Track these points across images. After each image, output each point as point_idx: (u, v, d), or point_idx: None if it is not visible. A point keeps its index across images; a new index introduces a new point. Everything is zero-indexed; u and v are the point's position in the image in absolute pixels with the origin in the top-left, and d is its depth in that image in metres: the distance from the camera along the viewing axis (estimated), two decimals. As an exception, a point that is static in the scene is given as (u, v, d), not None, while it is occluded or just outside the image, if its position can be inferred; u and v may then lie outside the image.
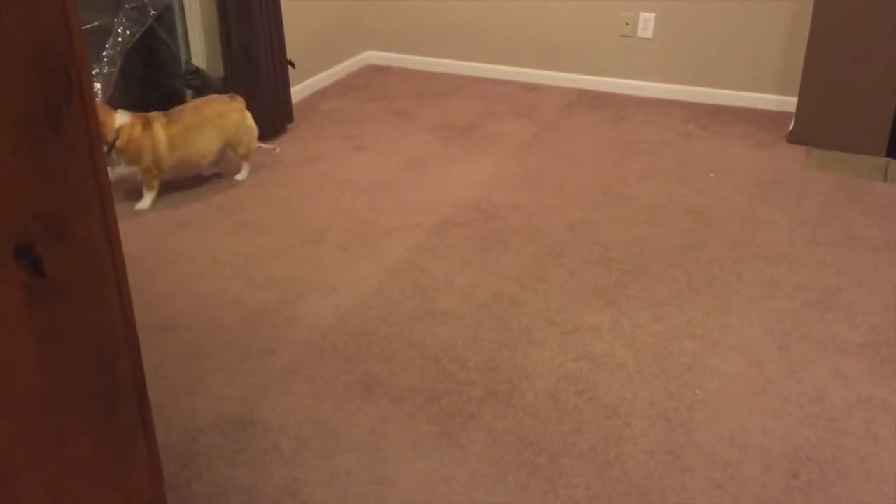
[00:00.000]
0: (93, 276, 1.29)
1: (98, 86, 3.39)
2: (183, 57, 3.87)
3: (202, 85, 3.73)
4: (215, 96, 3.40)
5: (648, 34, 4.36)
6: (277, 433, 2.10)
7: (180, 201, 3.34)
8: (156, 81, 3.81)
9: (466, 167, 3.66)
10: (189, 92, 3.78)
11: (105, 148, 3.02)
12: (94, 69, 3.39)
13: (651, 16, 4.32)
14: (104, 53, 3.42)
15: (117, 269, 1.34)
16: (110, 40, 3.44)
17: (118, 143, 3.07)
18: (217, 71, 3.83)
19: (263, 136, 3.85)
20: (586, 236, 3.06)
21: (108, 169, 3.09)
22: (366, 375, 2.31)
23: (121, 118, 3.10)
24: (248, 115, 3.44)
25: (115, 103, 3.50)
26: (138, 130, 3.11)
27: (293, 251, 2.96)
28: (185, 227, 3.13)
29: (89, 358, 1.31)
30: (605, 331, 2.51)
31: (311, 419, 2.15)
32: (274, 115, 3.85)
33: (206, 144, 3.29)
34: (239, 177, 3.51)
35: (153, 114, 3.21)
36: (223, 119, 3.33)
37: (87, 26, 3.40)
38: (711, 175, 3.56)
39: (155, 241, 3.03)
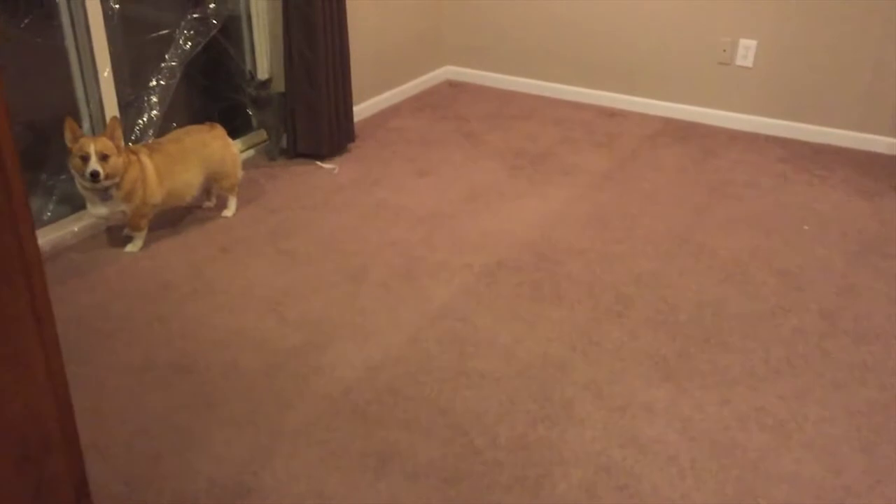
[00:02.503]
0: (13, 362, 1.11)
1: (154, 99, 3.29)
2: (247, 70, 3.75)
3: (266, 99, 3.60)
4: (194, 126, 3.12)
5: (748, 63, 3.97)
6: (275, 506, 1.90)
7: (229, 224, 3.21)
8: (218, 94, 3.70)
9: (531, 202, 3.39)
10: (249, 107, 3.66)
11: (114, 181, 2.75)
12: (153, 81, 3.30)
13: (752, 43, 3.93)
14: (163, 65, 3.32)
15: (48, 351, 1.15)
16: (171, 51, 3.33)
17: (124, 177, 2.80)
18: (278, 86, 3.69)
19: (321, 157, 3.70)
20: (653, 293, 2.75)
21: (96, 209, 2.83)
22: (383, 444, 2.09)
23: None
24: (232, 144, 3.19)
25: (174, 116, 3.41)
26: (129, 161, 2.82)
27: (333, 287, 2.77)
28: (226, 253, 2.99)
29: (10, 457, 1.13)
30: (660, 411, 2.21)
31: (315, 491, 1.94)
32: (333, 135, 3.68)
33: (190, 176, 3.01)
34: (227, 213, 3.23)
35: (134, 147, 2.93)
36: (206, 149, 3.05)
37: (150, 36, 3.31)
38: (805, 228, 3.17)
39: (191, 266, 2.90)
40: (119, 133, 2.75)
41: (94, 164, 2.68)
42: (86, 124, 3.10)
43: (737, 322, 2.59)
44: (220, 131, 3.14)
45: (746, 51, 3.95)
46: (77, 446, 1.28)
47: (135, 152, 2.88)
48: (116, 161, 2.73)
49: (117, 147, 2.74)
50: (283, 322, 2.59)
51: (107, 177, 2.72)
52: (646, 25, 4.17)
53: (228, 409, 2.21)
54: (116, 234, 3.06)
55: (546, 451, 2.07)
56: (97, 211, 2.87)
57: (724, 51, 4.01)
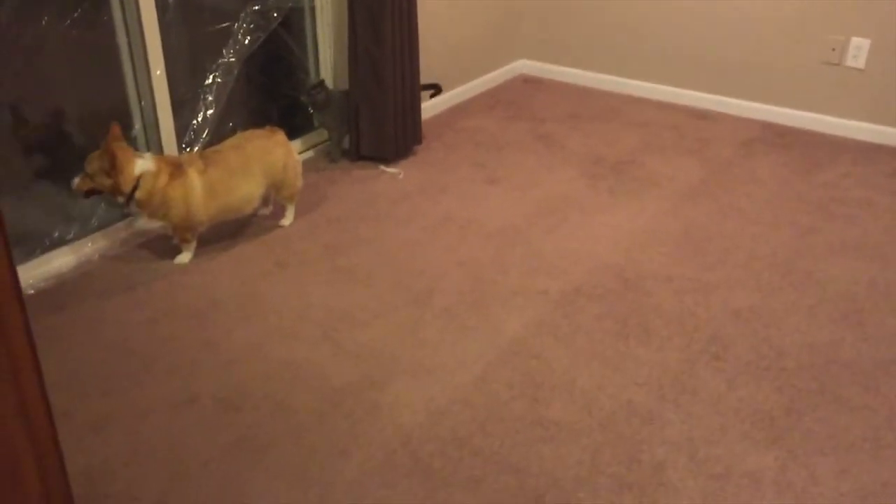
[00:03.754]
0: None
1: (209, 97, 3.08)
2: (311, 66, 3.51)
3: (326, 101, 3.36)
4: (253, 131, 2.89)
5: (859, 64, 3.57)
6: (322, 583, 1.67)
7: (285, 234, 2.99)
8: (277, 91, 3.48)
9: (613, 217, 3.08)
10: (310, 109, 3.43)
11: (121, 199, 2.61)
12: (209, 78, 3.09)
13: (865, 42, 3.52)
14: (221, 60, 3.10)
15: (40, 453, 0.93)
16: (228, 46, 3.12)
17: (137, 194, 2.60)
18: (342, 84, 3.45)
19: (385, 160, 3.46)
20: (755, 332, 2.42)
21: (133, 219, 2.75)
22: (446, 508, 1.84)
23: (142, 165, 2.59)
24: (293, 150, 2.96)
25: (230, 115, 3.20)
26: (163, 180, 2.61)
27: (393, 312, 2.53)
28: (281, 269, 2.77)
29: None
30: (768, 482, 1.90)
31: (369, 566, 1.71)
32: (398, 137, 3.43)
33: (252, 187, 2.80)
34: (284, 222, 3.03)
35: (187, 157, 2.74)
36: (268, 156, 2.83)
37: (207, 30, 3.10)
38: (930, 257, 2.80)
39: (244, 283, 2.69)
40: (121, 151, 2.57)
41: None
42: (137, 124, 2.92)
43: (854, 372, 2.26)
44: (281, 137, 2.91)
45: (858, 50, 3.55)
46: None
47: (181, 167, 2.67)
48: (103, 182, 2.58)
49: (113, 170, 2.56)
50: (339, 351, 2.36)
51: (91, 192, 2.62)
52: (743, 18, 3.78)
53: (276, 456, 1.99)
54: (166, 244, 2.87)
55: (634, 527, 1.79)
56: (136, 224, 2.77)
57: (833, 50, 3.61)
